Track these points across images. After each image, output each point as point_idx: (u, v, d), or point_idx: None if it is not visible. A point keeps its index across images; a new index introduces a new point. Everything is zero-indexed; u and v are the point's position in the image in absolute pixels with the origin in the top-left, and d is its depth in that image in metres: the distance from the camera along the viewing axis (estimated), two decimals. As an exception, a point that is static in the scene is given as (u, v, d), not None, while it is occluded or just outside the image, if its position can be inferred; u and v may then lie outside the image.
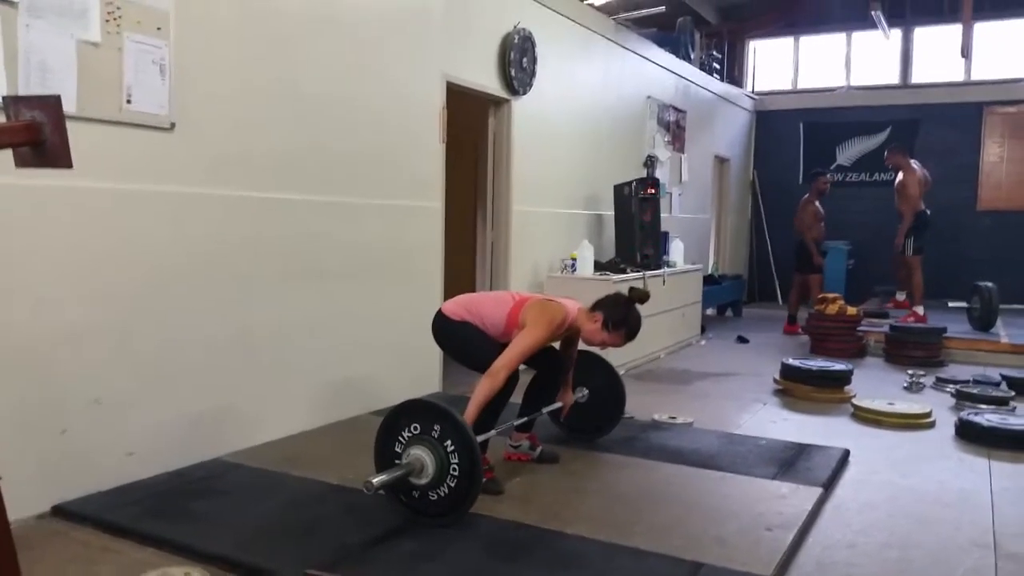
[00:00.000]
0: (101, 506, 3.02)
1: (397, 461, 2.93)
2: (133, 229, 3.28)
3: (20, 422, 2.93)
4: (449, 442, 2.87)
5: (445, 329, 3.51)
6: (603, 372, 4.07)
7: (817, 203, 8.52)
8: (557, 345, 3.71)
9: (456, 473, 2.86)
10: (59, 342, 3.04)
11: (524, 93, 5.91)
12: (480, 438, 3.08)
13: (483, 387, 3.15)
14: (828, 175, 8.66)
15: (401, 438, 2.95)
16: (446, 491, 2.88)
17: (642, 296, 3.57)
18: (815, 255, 8.40)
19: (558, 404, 3.86)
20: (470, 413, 3.10)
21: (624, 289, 5.91)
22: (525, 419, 3.69)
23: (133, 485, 3.24)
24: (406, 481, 2.90)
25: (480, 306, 3.50)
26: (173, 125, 3.39)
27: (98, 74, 3.08)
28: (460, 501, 2.88)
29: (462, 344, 3.49)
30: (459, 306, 3.52)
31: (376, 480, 2.78)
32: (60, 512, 2.99)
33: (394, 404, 3.03)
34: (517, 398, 3.65)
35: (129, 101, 3.20)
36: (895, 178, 8.30)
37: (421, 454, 2.88)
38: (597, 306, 3.51)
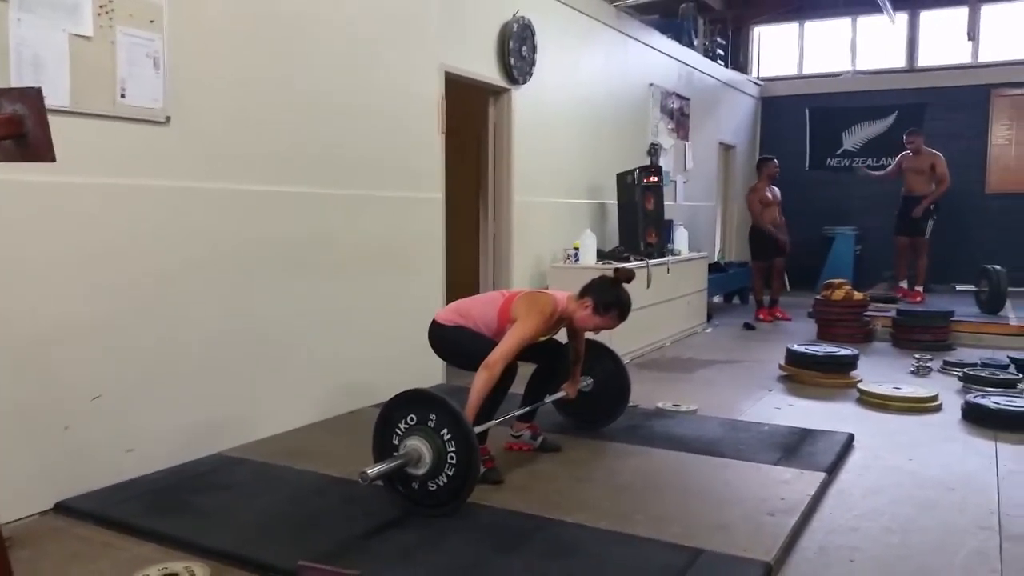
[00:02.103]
0: (102, 502, 3.02)
1: (395, 452, 2.92)
2: (130, 224, 3.27)
3: (22, 420, 2.94)
4: (446, 431, 2.86)
5: (440, 336, 3.51)
6: (608, 361, 4.06)
7: (767, 190, 8.42)
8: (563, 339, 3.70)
9: (454, 463, 2.85)
10: (58, 339, 3.04)
11: (524, 82, 5.87)
12: (479, 428, 3.06)
13: (480, 379, 3.14)
14: (776, 160, 8.58)
15: (398, 429, 2.94)
16: (444, 481, 2.87)
17: (627, 275, 3.55)
18: (778, 238, 8.31)
19: (562, 393, 3.85)
20: (471, 406, 3.09)
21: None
22: (527, 409, 3.68)
23: (134, 481, 3.24)
24: (404, 472, 2.89)
25: (471, 309, 3.50)
26: (168, 119, 3.38)
27: (91, 68, 3.07)
28: (458, 491, 2.87)
29: (458, 347, 3.48)
30: (451, 312, 3.54)
31: (371, 471, 2.77)
32: (62, 509, 3.00)
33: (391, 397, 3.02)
34: (518, 389, 3.64)
35: (123, 95, 3.19)
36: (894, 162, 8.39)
37: (418, 444, 2.87)
38: (585, 291, 3.49)
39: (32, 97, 1.63)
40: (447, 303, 5.15)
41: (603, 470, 3.49)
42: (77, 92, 3.02)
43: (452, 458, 2.85)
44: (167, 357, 3.43)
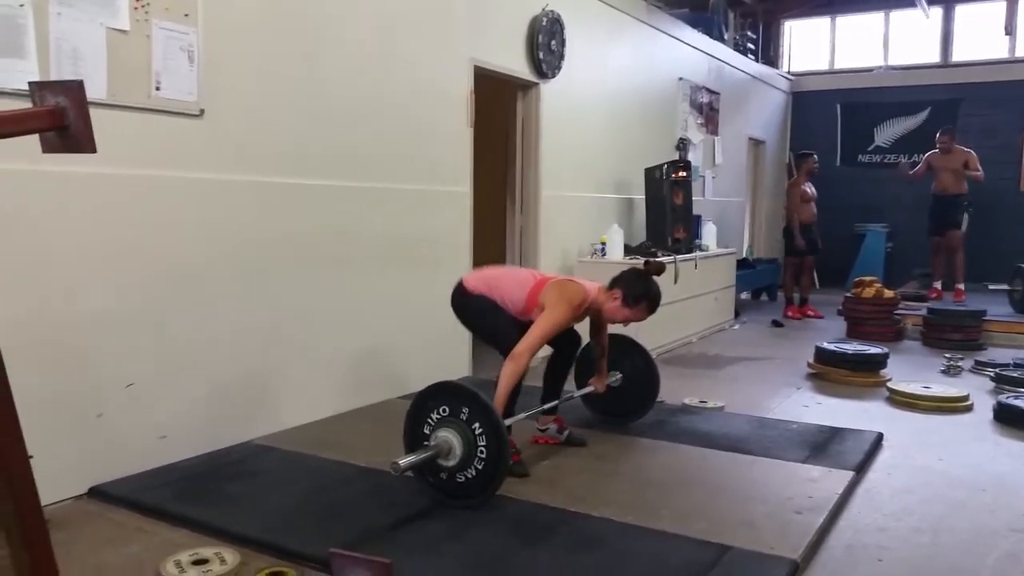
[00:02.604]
0: (135, 488, 3.08)
1: (425, 443, 2.94)
2: (163, 216, 3.32)
3: (58, 407, 3.00)
4: (477, 425, 2.87)
5: (464, 302, 3.52)
6: (637, 356, 4.05)
7: (806, 185, 8.34)
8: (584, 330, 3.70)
9: (483, 456, 2.86)
10: (92, 329, 3.09)
11: (553, 76, 5.87)
12: (507, 422, 3.08)
13: (507, 371, 3.15)
14: (815, 156, 8.49)
15: (430, 419, 2.97)
16: (473, 474, 2.89)
17: (658, 268, 3.54)
18: (796, 237, 8.22)
19: (591, 388, 3.85)
20: (500, 398, 3.11)
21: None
22: (554, 403, 3.69)
23: (166, 468, 3.29)
24: (433, 463, 2.92)
25: (500, 283, 3.49)
26: (202, 111, 3.43)
27: (127, 61, 3.12)
28: (487, 484, 2.89)
29: (480, 318, 3.49)
30: (480, 281, 3.53)
31: (403, 462, 2.80)
32: (96, 494, 3.06)
33: (424, 388, 3.04)
34: (532, 381, 3.65)
35: (158, 88, 3.24)
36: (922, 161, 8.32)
37: (449, 436, 2.89)
38: (615, 283, 3.49)
39: (74, 90, 1.66)
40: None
41: (629, 465, 3.49)
42: (114, 85, 3.07)
43: (482, 452, 2.86)
44: (199, 346, 3.49)
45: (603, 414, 4.11)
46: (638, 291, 3.43)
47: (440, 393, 2.99)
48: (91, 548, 2.63)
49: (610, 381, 3.94)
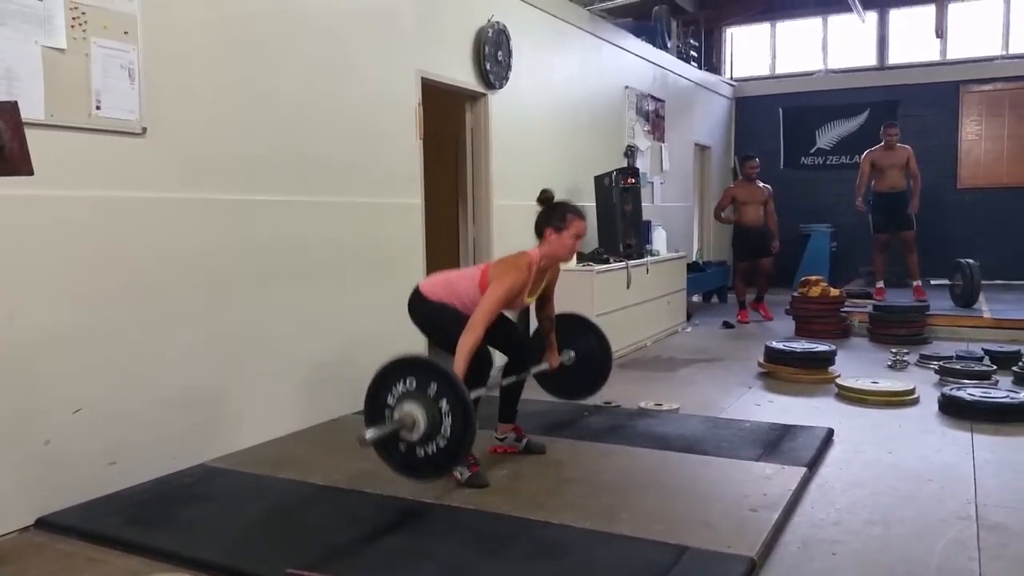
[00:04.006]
0: (85, 516, 3.00)
1: (387, 411, 2.93)
2: (108, 236, 3.26)
3: (3, 434, 2.91)
4: (444, 402, 2.84)
5: (422, 309, 3.50)
6: (591, 335, 4.05)
7: (741, 188, 8.46)
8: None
9: (447, 434, 2.85)
10: (38, 351, 3.01)
11: (501, 87, 5.90)
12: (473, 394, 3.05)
13: (463, 343, 3.14)
14: (751, 158, 8.53)
15: (394, 391, 2.93)
16: (434, 450, 2.87)
17: (548, 194, 3.58)
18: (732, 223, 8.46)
19: (544, 365, 3.85)
20: (458, 367, 3.09)
21: (609, 280, 5.92)
22: (508, 411, 3.72)
23: (117, 494, 3.21)
24: (395, 436, 2.90)
25: (456, 284, 3.48)
26: (144, 130, 3.37)
27: (65, 80, 3.05)
28: (448, 461, 2.90)
29: (440, 326, 3.46)
30: (437, 286, 3.51)
31: (369, 435, 2.80)
32: (43, 524, 2.96)
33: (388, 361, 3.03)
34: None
35: (98, 107, 3.18)
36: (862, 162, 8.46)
37: (414, 410, 2.86)
38: (539, 229, 3.49)
39: (9, 111, 1.63)
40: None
41: (586, 470, 3.51)
42: (52, 105, 3.00)
43: (446, 430, 2.85)
44: (148, 367, 3.42)
45: (563, 394, 4.11)
46: (557, 215, 3.46)
47: (407, 366, 2.95)
48: (40, 581, 2.56)
49: (563, 360, 3.93)
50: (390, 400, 2.94)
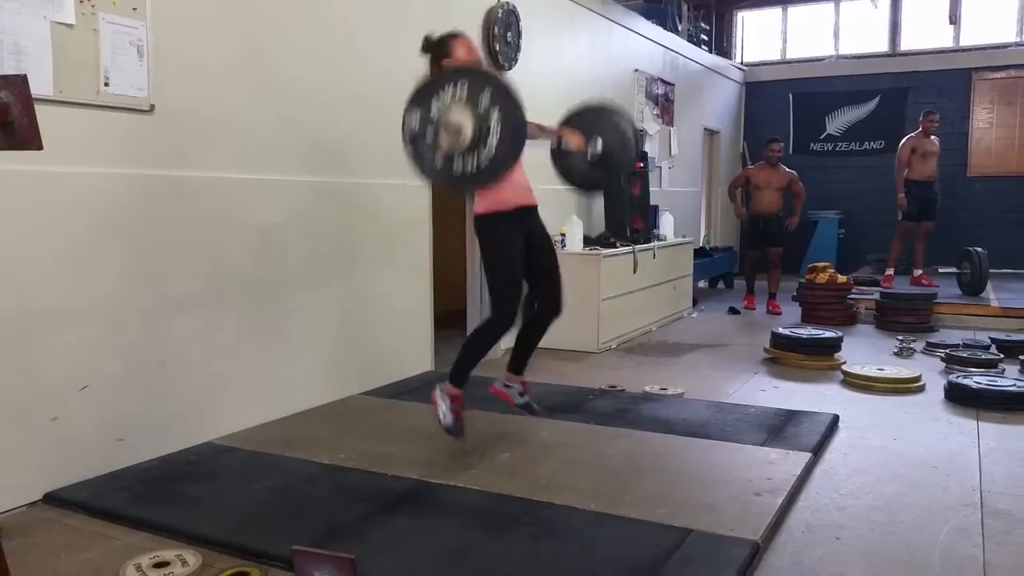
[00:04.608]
0: (92, 492, 3.02)
1: (432, 113, 2.85)
2: (117, 214, 3.25)
3: (9, 411, 2.93)
4: (497, 115, 2.77)
5: (480, 233, 3.50)
6: (622, 121, 3.89)
7: (759, 171, 8.18)
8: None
9: (491, 153, 2.80)
10: (46, 328, 3.02)
11: (509, 68, 5.86)
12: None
13: None
14: (775, 141, 8.19)
15: (443, 90, 2.86)
16: (473, 168, 2.82)
17: (426, 42, 3.53)
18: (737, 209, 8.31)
19: (571, 145, 3.75)
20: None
21: (616, 265, 5.90)
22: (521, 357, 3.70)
23: (124, 471, 3.23)
24: (432, 136, 2.83)
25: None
26: (153, 107, 3.36)
27: (74, 56, 3.05)
28: (480, 179, 2.86)
29: (488, 260, 3.46)
30: (486, 196, 3.45)
31: (414, 119, 2.77)
32: (51, 499, 2.99)
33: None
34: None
35: (107, 83, 3.17)
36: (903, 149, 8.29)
37: (461, 117, 2.80)
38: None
39: (18, 84, 1.62)
40: (434, 291, 5.20)
41: (591, 453, 3.51)
42: (60, 81, 3.00)
43: (492, 148, 2.80)
44: (155, 345, 3.43)
45: (584, 187, 4.03)
46: (441, 49, 3.44)
47: (467, 74, 2.87)
48: (47, 555, 2.58)
49: (590, 149, 3.70)
50: (435, 104, 2.84)
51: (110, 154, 3.23)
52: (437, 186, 2.89)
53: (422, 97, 2.89)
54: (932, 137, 8.26)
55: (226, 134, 3.72)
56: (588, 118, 3.79)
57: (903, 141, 8.44)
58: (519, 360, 3.70)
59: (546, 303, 3.61)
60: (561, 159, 3.86)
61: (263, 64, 3.88)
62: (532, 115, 6.40)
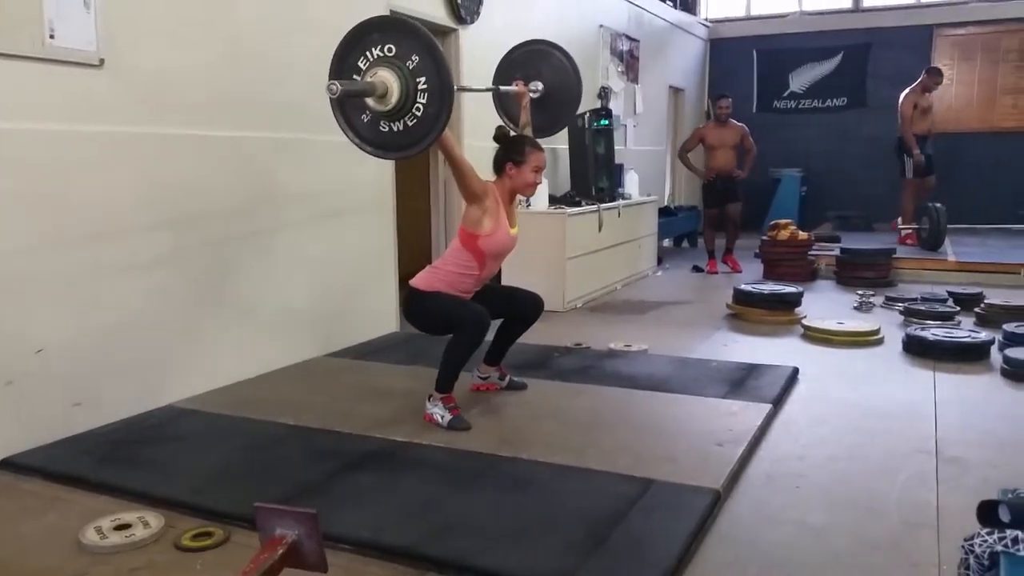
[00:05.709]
0: (51, 457, 2.97)
1: (356, 77, 2.78)
2: (68, 171, 3.16)
3: (-40, 375, 2.86)
4: (423, 80, 2.69)
5: (417, 303, 3.38)
6: (559, 55, 3.95)
7: (711, 129, 8.04)
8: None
9: (419, 114, 2.71)
10: (-4, 291, 2.95)
11: (472, 22, 5.76)
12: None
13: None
14: (723, 98, 8.04)
15: (369, 54, 2.78)
16: (400, 127, 2.75)
17: (503, 130, 3.57)
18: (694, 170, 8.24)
19: (514, 87, 3.84)
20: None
21: (581, 223, 5.89)
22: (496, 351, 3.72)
23: (83, 435, 3.18)
24: (361, 100, 2.77)
25: (439, 265, 3.40)
26: (102, 61, 3.25)
27: (15, 7, 2.92)
28: (410, 143, 2.77)
29: (434, 310, 3.34)
30: (423, 277, 3.39)
31: (340, 85, 2.68)
32: (8, 465, 2.93)
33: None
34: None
35: (52, 36, 3.05)
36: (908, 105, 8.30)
37: (389, 78, 2.71)
38: (498, 166, 3.47)
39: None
40: (399, 250, 5.15)
41: (555, 408, 3.53)
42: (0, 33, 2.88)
43: (419, 109, 2.70)
44: (112, 308, 3.35)
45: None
46: (515, 149, 3.43)
47: (392, 29, 2.77)
48: (5, 520, 2.54)
49: (530, 88, 3.83)
50: (362, 63, 2.77)
51: (58, 110, 3.12)
52: (366, 151, 2.80)
53: (348, 56, 2.78)
54: (928, 93, 8.34)
55: (181, 89, 3.61)
56: (523, 58, 3.84)
57: (904, 96, 8.44)
58: (497, 354, 3.72)
59: (525, 306, 3.61)
60: (504, 105, 3.93)
61: (214, 17, 3.76)
62: (493, 70, 6.30)
